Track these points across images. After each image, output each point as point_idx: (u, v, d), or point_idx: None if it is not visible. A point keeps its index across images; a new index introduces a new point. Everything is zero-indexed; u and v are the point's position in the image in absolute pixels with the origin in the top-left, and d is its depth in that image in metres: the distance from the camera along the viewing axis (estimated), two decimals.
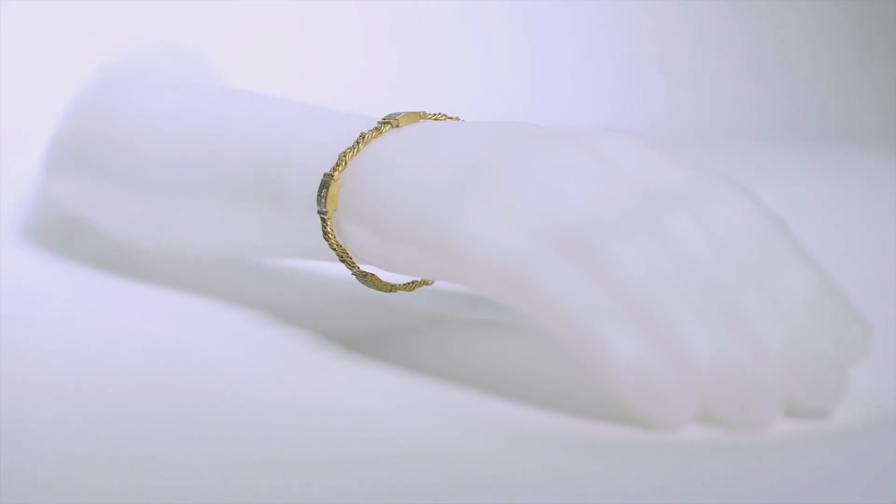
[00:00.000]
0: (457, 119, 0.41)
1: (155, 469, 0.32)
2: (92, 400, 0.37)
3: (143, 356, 0.42)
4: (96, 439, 0.34)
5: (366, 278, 0.41)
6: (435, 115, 0.41)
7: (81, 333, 0.45)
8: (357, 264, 0.41)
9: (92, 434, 0.34)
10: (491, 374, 0.38)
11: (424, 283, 0.42)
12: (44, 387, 0.39)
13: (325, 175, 0.40)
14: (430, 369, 0.38)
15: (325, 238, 0.40)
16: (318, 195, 0.40)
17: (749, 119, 0.98)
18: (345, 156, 0.39)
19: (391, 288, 0.42)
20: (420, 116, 0.40)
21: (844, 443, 0.33)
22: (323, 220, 0.40)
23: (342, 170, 0.39)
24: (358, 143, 0.40)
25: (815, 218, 0.57)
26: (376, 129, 0.40)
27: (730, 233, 0.35)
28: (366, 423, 0.35)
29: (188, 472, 0.32)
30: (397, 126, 0.40)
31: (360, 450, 0.33)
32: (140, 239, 0.50)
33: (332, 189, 0.39)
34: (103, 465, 0.32)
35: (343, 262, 0.41)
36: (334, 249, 0.40)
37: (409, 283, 0.42)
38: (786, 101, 1.01)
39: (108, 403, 0.37)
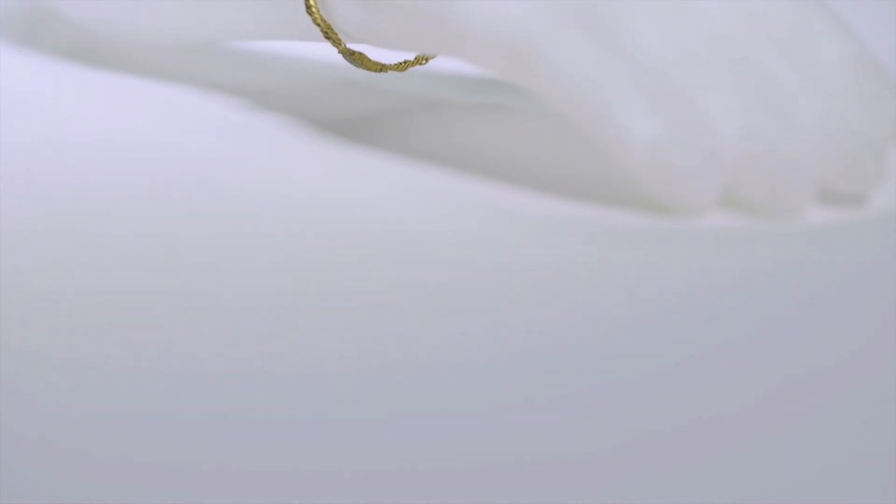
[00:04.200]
0: None
1: (136, 263, 0.31)
2: (69, 194, 0.35)
3: (120, 148, 0.40)
4: (75, 237, 0.32)
5: (353, 57, 0.39)
6: None
7: (53, 126, 0.42)
8: (343, 41, 0.38)
9: (70, 231, 0.33)
10: (496, 159, 0.36)
11: (418, 62, 0.40)
12: (16, 180, 0.37)
13: None
14: (430, 156, 0.36)
15: (307, 13, 0.37)
16: None
17: None
18: None
19: (381, 68, 0.39)
20: None
21: (882, 229, 0.31)
22: None
23: None
24: None
25: None
26: None
27: (760, 6, 0.32)
28: (362, 213, 0.33)
29: (172, 269, 0.30)
30: None
31: (358, 241, 0.32)
32: (109, 25, 0.48)
33: None
34: (84, 264, 0.31)
35: (328, 39, 0.38)
36: (318, 25, 0.37)
37: (401, 63, 0.39)
38: None
39: (86, 197, 0.35)
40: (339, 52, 0.38)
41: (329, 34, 0.38)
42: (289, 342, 0.27)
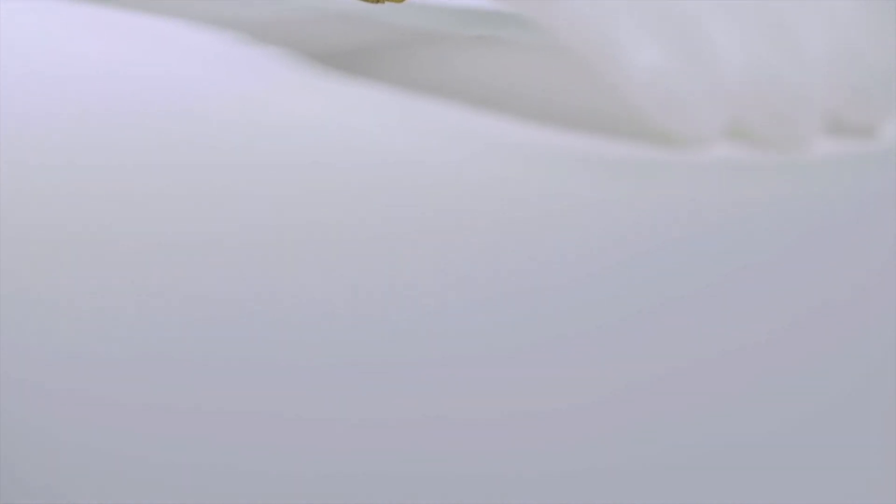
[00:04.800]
0: None
1: (134, 198, 0.30)
2: (62, 127, 0.35)
3: (113, 83, 0.39)
4: (74, 171, 0.32)
5: None
6: None
7: (45, 61, 0.42)
8: None
9: (69, 166, 0.32)
10: (497, 91, 0.35)
11: None
12: (7, 115, 0.36)
13: None
14: (428, 88, 0.36)
15: None
16: None
17: None
18: None
19: None
20: None
21: (890, 161, 0.31)
22: None
23: None
24: None
25: None
26: None
27: None
28: (359, 146, 0.33)
29: (166, 201, 0.30)
30: None
31: (356, 174, 0.31)
32: None
33: None
34: (85, 198, 0.30)
35: None
36: None
37: None
38: None
39: (78, 131, 0.35)
40: None
41: None
42: (284, 275, 0.27)
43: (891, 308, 0.25)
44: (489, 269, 0.27)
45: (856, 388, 0.23)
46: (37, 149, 0.33)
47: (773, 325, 0.25)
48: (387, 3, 0.39)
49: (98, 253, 0.28)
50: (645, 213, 0.28)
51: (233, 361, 0.24)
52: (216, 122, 0.35)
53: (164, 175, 0.31)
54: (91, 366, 0.24)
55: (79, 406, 0.22)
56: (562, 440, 0.21)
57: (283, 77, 0.38)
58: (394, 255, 0.28)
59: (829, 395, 0.22)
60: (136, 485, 0.20)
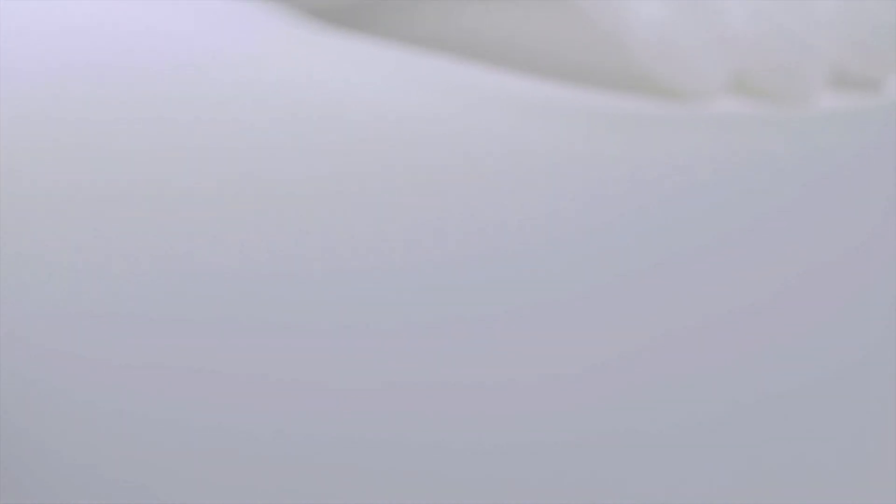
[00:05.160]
0: None
1: (114, 152, 0.30)
2: (53, 87, 0.33)
3: (101, 38, 0.37)
4: (54, 124, 0.31)
5: None
6: None
7: (28, 17, 0.41)
8: None
9: (49, 118, 0.32)
10: (496, 43, 0.35)
11: None
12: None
13: None
14: (428, 42, 0.35)
15: None
16: None
17: None
18: None
19: None
20: None
21: None
22: None
23: None
24: None
25: None
26: None
27: None
28: (353, 100, 0.32)
29: (153, 158, 0.30)
30: None
31: (355, 130, 0.31)
32: None
33: None
34: (62, 152, 0.30)
35: None
36: None
37: None
38: None
39: (70, 88, 0.33)
40: None
41: None
42: (277, 230, 0.27)
43: (894, 263, 0.25)
44: (486, 225, 0.26)
45: (860, 342, 0.22)
46: (21, 106, 0.33)
47: (774, 281, 0.24)
48: None
49: (92, 211, 0.28)
50: (646, 166, 0.28)
51: (229, 320, 0.23)
52: (209, 79, 0.34)
53: (153, 133, 0.31)
54: (81, 321, 0.23)
55: (67, 361, 0.22)
56: (562, 403, 0.21)
57: (279, 32, 0.37)
58: (391, 209, 0.27)
59: (832, 352, 0.22)
60: (126, 442, 0.20)
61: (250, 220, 0.27)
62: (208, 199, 0.28)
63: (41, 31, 0.38)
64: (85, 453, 0.20)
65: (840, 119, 0.30)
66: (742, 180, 0.28)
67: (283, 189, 0.28)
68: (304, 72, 0.34)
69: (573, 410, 0.21)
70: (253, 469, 0.21)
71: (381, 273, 0.25)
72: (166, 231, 0.26)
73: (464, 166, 0.29)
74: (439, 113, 0.31)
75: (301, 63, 0.35)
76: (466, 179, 0.28)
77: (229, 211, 0.27)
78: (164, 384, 0.21)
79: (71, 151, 0.30)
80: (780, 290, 0.24)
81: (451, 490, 0.20)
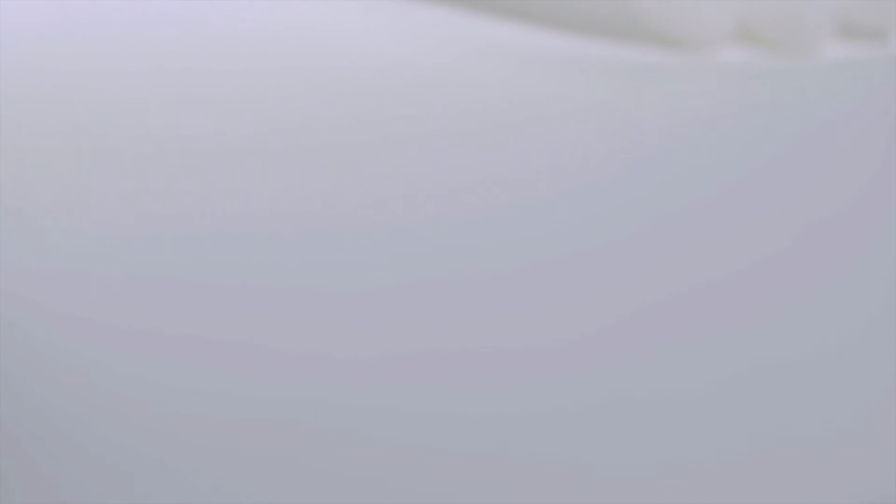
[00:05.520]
0: None
1: (117, 104, 0.29)
2: (57, 44, 0.33)
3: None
4: (57, 77, 0.31)
5: None
6: None
7: None
8: None
9: (60, 73, 0.31)
10: None
11: None
12: None
13: None
14: None
15: None
16: None
17: None
18: None
19: None
20: None
21: None
22: None
23: None
24: None
25: None
26: None
27: None
28: (344, 49, 0.32)
29: (157, 115, 0.29)
30: None
31: (345, 80, 0.30)
32: None
33: None
34: (66, 106, 0.30)
35: None
36: None
37: None
38: None
39: (61, 42, 0.33)
40: None
41: None
42: (274, 183, 0.26)
43: None
44: (486, 176, 0.26)
45: (868, 308, 0.22)
46: (24, 61, 0.33)
47: (777, 237, 0.24)
48: None
49: (88, 168, 0.27)
50: (648, 116, 0.28)
51: (233, 274, 0.23)
52: (198, 29, 0.33)
53: (151, 83, 0.30)
54: (86, 280, 0.23)
55: (73, 322, 0.22)
56: (565, 366, 0.21)
57: None
58: (383, 160, 0.27)
59: (838, 305, 0.22)
60: (126, 404, 0.19)
61: (254, 168, 0.26)
62: (205, 148, 0.27)
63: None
64: (78, 407, 0.20)
65: (845, 69, 0.30)
66: (746, 130, 0.27)
67: (274, 136, 0.28)
68: (301, 22, 0.34)
69: (579, 372, 0.21)
70: (248, 434, 0.20)
71: (365, 224, 0.24)
72: (167, 179, 0.26)
73: (462, 115, 0.28)
74: (437, 62, 0.31)
75: (297, 12, 0.35)
76: (465, 129, 0.28)
77: (227, 160, 0.27)
78: (166, 344, 0.21)
79: (76, 101, 0.29)
80: (785, 241, 0.24)
81: (447, 457, 0.20)
